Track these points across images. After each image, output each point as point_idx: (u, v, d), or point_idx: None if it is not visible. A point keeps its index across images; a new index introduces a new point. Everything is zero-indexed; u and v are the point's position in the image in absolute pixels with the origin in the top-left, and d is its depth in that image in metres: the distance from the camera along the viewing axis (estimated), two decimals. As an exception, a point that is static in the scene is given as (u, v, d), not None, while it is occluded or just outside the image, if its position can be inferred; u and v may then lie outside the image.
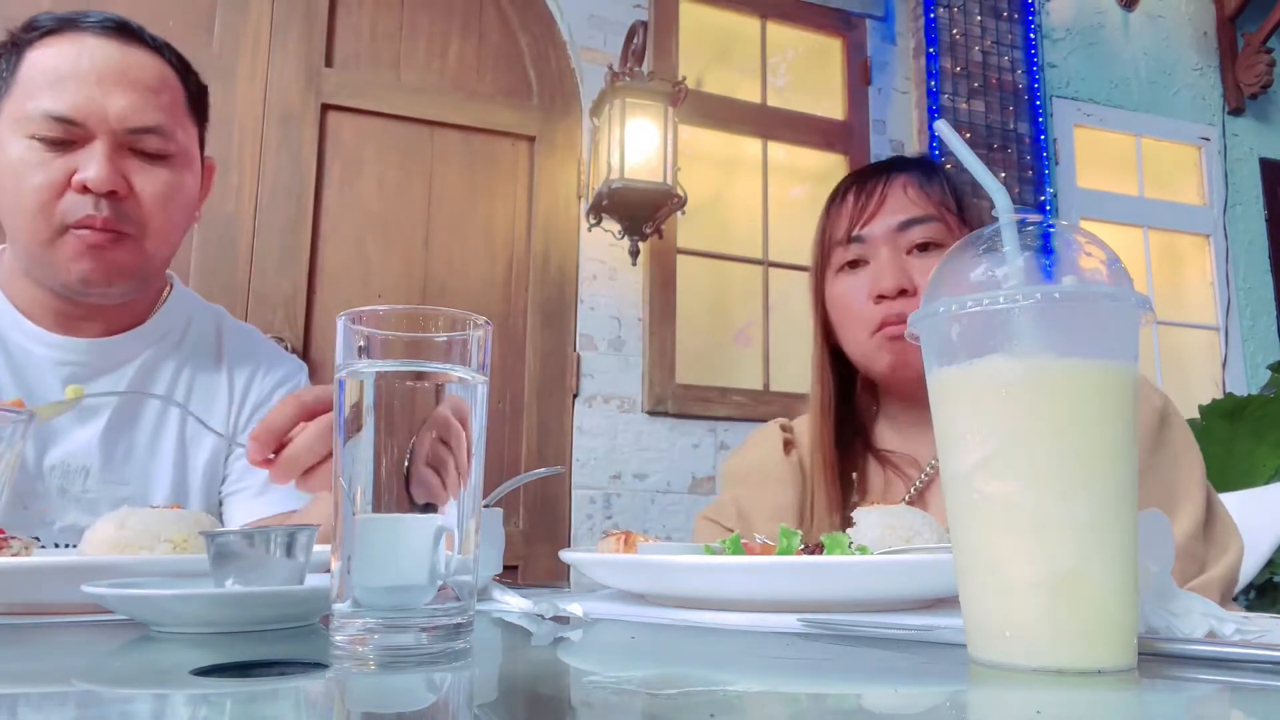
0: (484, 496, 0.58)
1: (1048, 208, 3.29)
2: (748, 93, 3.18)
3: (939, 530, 0.80)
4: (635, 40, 2.78)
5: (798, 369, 2.97)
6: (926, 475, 1.11)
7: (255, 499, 1.17)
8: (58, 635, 0.58)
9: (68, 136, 1.02)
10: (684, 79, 2.82)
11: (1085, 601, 0.44)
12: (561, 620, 0.66)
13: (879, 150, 3.23)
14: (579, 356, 2.76)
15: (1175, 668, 0.46)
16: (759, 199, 3.12)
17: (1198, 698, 0.43)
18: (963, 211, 1.11)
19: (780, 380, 2.99)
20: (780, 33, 3.26)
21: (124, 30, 1.08)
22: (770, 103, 3.19)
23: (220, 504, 1.19)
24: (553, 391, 2.73)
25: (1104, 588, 0.44)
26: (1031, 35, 3.40)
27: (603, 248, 2.84)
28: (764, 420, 1.31)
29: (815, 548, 0.74)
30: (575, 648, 0.57)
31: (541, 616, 0.67)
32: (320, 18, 2.66)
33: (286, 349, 2.31)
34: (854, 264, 1.11)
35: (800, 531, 0.77)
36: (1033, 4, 3.42)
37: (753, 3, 3.20)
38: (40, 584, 0.65)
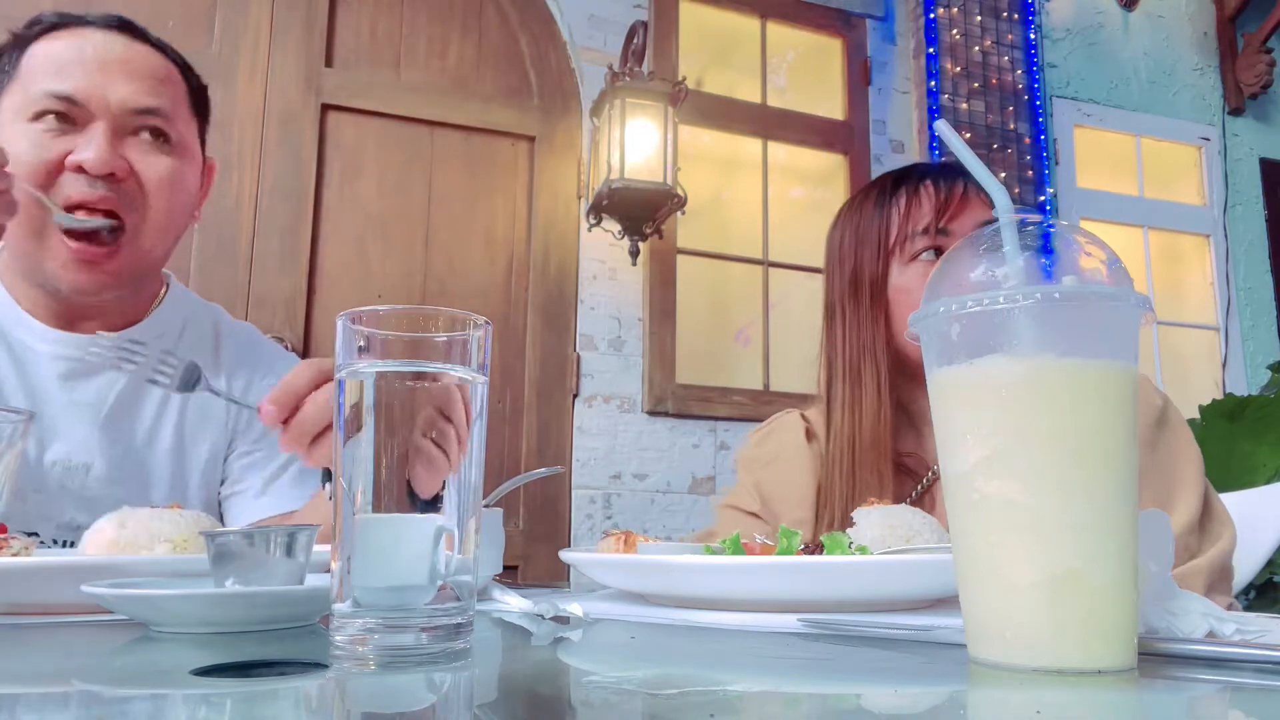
0: (484, 496, 0.58)
1: (1048, 208, 3.29)
2: (748, 93, 3.18)
3: (939, 530, 0.80)
4: (635, 40, 2.78)
5: (798, 369, 2.97)
6: (932, 475, 1.10)
7: (256, 500, 1.17)
8: (58, 635, 0.58)
9: (68, 113, 1.02)
10: (684, 79, 2.82)
11: (1085, 601, 0.44)
12: (561, 620, 0.66)
13: (879, 150, 3.23)
14: (579, 356, 2.76)
15: (1175, 668, 0.46)
16: (759, 199, 3.12)
17: (1198, 698, 0.43)
18: None
19: (780, 380, 2.99)
20: (780, 33, 3.26)
21: (127, 27, 1.09)
22: (770, 103, 3.19)
23: (220, 505, 1.19)
24: (553, 391, 2.73)
25: (1104, 588, 0.44)
26: (1031, 35, 3.40)
27: (603, 248, 2.84)
28: (764, 420, 1.30)
29: (815, 548, 0.74)
30: (575, 648, 0.57)
31: (541, 616, 0.67)
32: (320, 18, 2.66)
33: (286, 349, 2.31)
34: (934, 255, 1.09)
35: (798, 533, 0.77)
36: (1033, 4, 3.42)
37: (753, 3, 3.20)
38: (40, 584, 0.65)
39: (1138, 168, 3.71)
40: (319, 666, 0.48)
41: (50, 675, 0.46)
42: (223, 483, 1.20)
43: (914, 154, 3.26)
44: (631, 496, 2.74)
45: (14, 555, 0.70)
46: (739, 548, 0.73)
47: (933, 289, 0.50)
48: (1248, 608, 2.11)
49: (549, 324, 2.77)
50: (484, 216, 2.77)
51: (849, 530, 0.81)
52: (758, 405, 2.85)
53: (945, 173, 1.12)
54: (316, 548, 0.67)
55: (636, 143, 2.65)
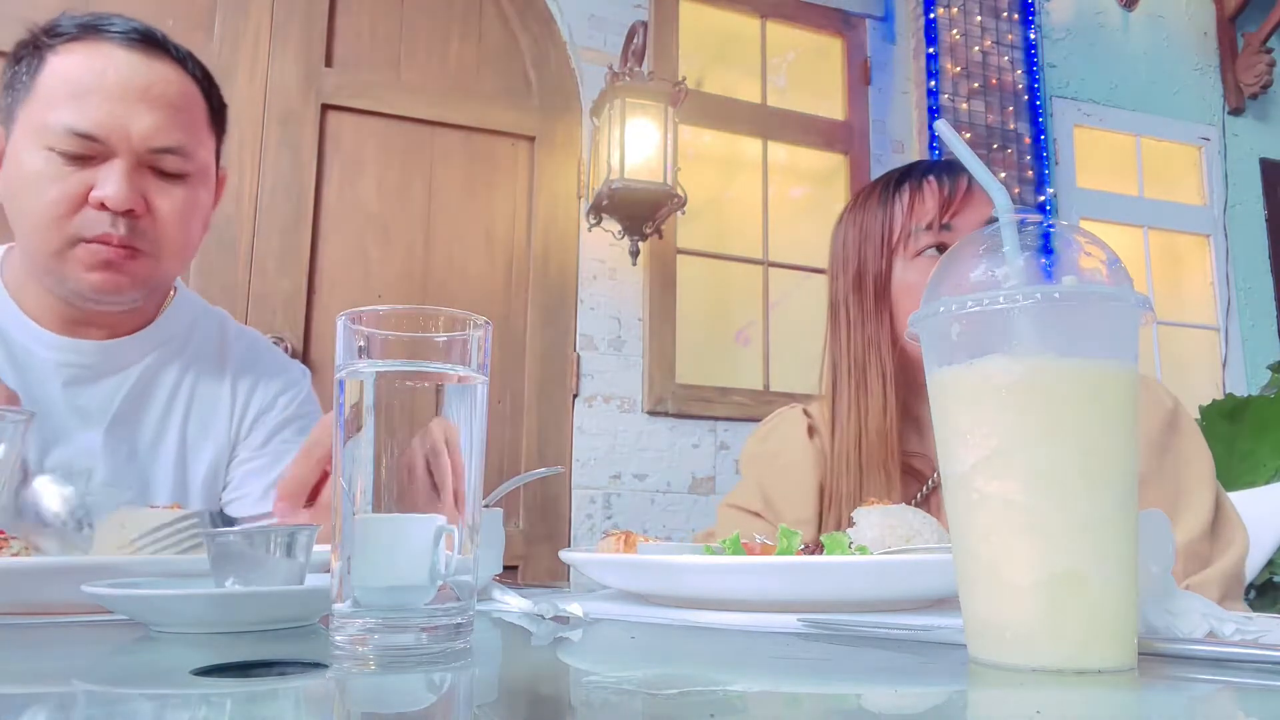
0: (484, 496, 0.58)
1: (1048, 208, 3.29)
2: (748, 93, 3.18)
3: (939, 530, 0.80)
4: (635, 40, 2.78)
5: (798, 369, 2.97)
6: (939, 476, 1.10)
7: (253, 506, 1.17)
8: (58, 635, 0.58)
9: (88, 152, 1.00)
10: (684, 79, 2.82)
11: (1085, 601, 0.44)
12: (561, 620, 0.66)
13: (879, 150, 3.23)
14: (579, 356, 2.76)
15: (1175, 668, 0.46)
16: (759, 199, 3.12)
17: (1198, 698, 0.43)
18: None
19: (780, 380, 2.99)
20: (780, 33, 3.26)
21: (149, 41, 1.05)
22: (770, 103, 3.19)
23: (221, 511, 1.19)
24: (553, 391, 2.73)
25: (1104, 588, 0.44)
26: (1031, 35, 3.40)
27: (603, 248, 2.84)
28: (764, 419, 1.29)
29: (815, 548, 0.74)
30: (575, 648, 0.57)
31: (541, 616, 0.67)
32: (320, 18, 2.66)
33: (286, 350, 2.31)
34: (937, 252, 1.09)
35: (798, 533, 0.77)
36: (1033, 4, 3.42)
37: (753, 3, 3.20)
38: (40, 584, 0.65)
39: (1138, 168, 3.70)
40: (319, 666, 0.48)
41: (50, 675, 0.46)
42: (224, 489, 1.20)
43: (914, 154, 3.26)
44: (631, 496, 2.74)
45: (14, 555, 0.70)
46: (739, 548, 0.73)
47: (933, 289, 0.50)
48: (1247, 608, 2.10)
49: (549, 324, 2.77)
50: (484, 216, 2.77)
51: (849, 530, 0.81)
52: (758, 405, 2.85)
53: (949, 169, 1.12)
54: (316, 548, 0.67)
55: (636, 143, 2.65)
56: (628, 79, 2.69)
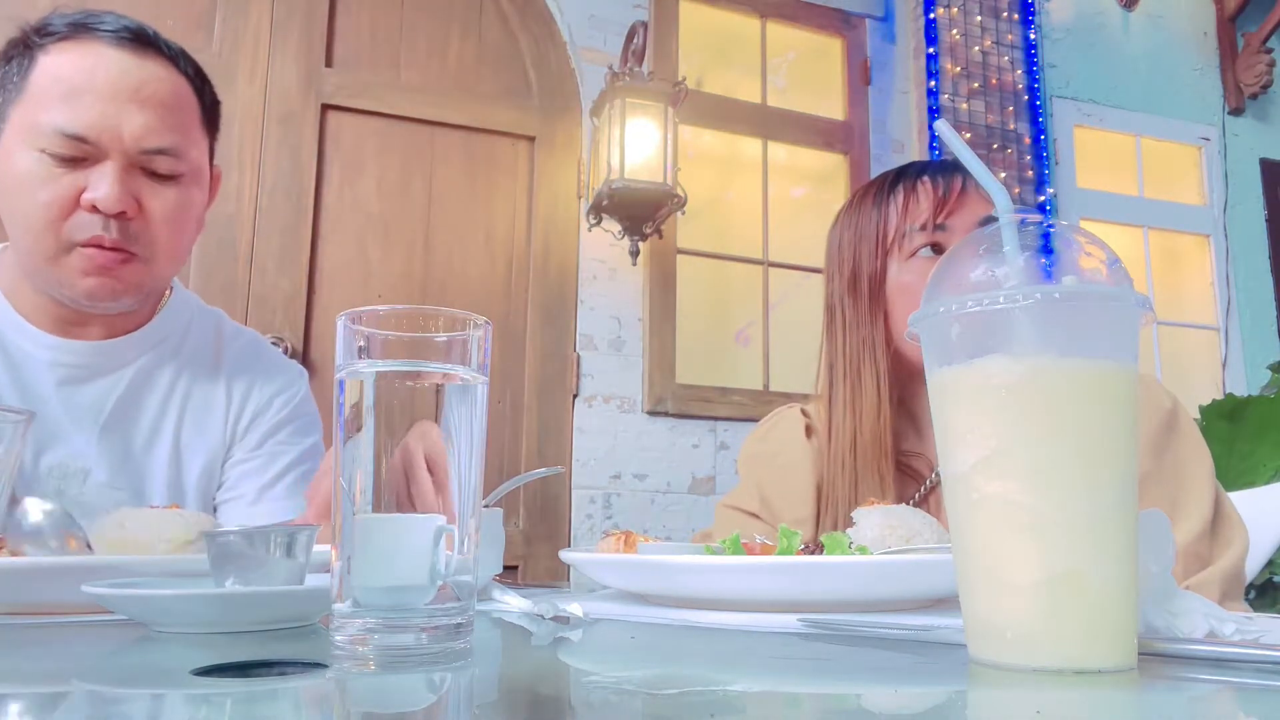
0: (484, 496, 0.58)
1: (1048, 208, 3.29)
2: (748, 93, 3.18)
3: (939, 530, 0.80)
4: (635, 40, 2.78)
5: (798, 369, 2.97)
6: (937, 476, 1.10)
7: (250, 507, 1.16)
8: (58, 635, 0.58)
9: (79, 154, 1.00)
10: (684, 79, 2.82)
11: (1085, 601, 0.44)
12: (561, 620, 0.66)
13: (879, 150, 3.23)
14: (579, 356, 2.76)
15: (1175, 668, 0.46)
16: (759, 199, 3.12)
17: (1198, 698, 0.43)
18: None
19: (780, 380, 2.99)
20: (780, 33, 3.26)
21: (140, 39, 1.04)
22: (770, 103, 3.19)
23: (215, 511, 1.19)
24: (553, 391, 2.73)
25: (1104, 588, 0.44)
26: (1031, 35, 3.40)
27: (603, 248, 2.84)
28: (763, 419, 1.29)
29: (815, 548, 0.74)
30: (575, 648, 0.57)
31: (541, 616, 0.67)
32: (320, 18, 2.66)
33: (286, 350, 2.31)
34: (932, 251, 1.09)
35: (798, 533, 0.77)
36: (1033, 4, 3.42)
37: (753, 3, 3.20)
38: (40, 584, 0.65)
39: (1138, 168, 3.70)
40: (319, 666, 0.48)
41: (50, 675, 0.46)
42: (217, 489, 1.19)
43: (914, 154, 3.26)
44: (631, 496, 2.74)
45: (13, 555, 0.70)
46: (739, 548, 0.73)
47: (933, 289, 0.50)
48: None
49: (549, 324, 2.77)
50: (484, 216, 2.77)
51: (849, 530, 0.81)
52: (758, 405, 2.85)
53: (944, 169, 1.12)
54: (316, 548, 0.67)
55: (636, 143, 2.65)
56: (628, 79, 2.69)
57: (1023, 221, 0.49)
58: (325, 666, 0.47)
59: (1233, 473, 2.45)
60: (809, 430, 1.19)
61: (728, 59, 3.20)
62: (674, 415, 2.81)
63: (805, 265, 3.07)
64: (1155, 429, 0.99)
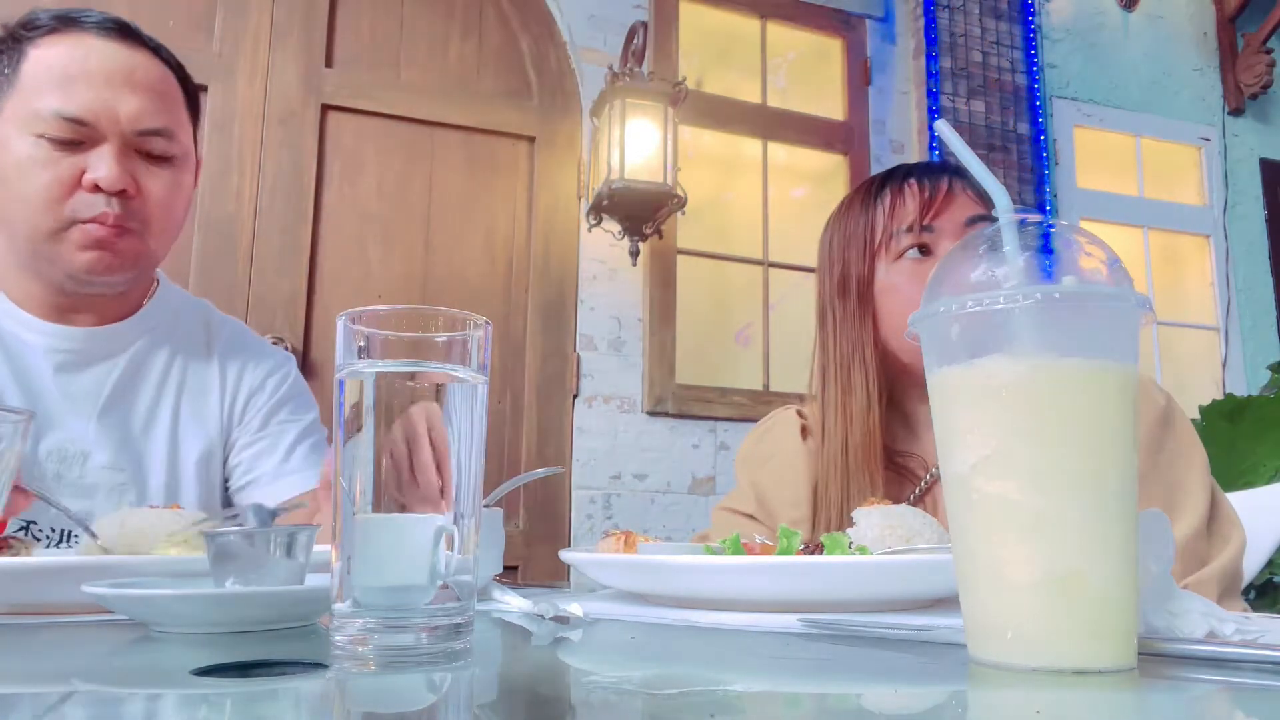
0: (484, 496, 0.58)
1: (1048, 208, 3.29)
2: (748, 93, 3.18)
3: (939, 530, 0.80)
4: (635, 40, 2.78)
5: (798, 369, 2.97)
6: (932, 475, 1.10)
7: (272, 484, 1.19)
8: (58, 635, 0.58)
9: (78, 137, 1.03)
10: (684, 79, 2.82)
11: (1085, 601, 0.44)
12: (561, 620, 0.66)
13: (879, 150, 3.23)
14: (579, 356, 2.76)
15: (1175, 668, 0.46)
16: (759, 199, 3.12)
17: (1198, 698, 0.43)
18: None
19: (780, 380, 2.99)
20: (780, 33, 3.26)
21: (125, 31, 1.09)
22: (770, 103, 3.19)
23: (232, 500, 1.21)
24: (553, 391, 2.73)
25: (1104, 588, 0.44)
26: (1031, 35, 3.40)
27: (603, 248, 2.84)
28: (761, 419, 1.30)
29: (815, 548, 0.74)
30: (575, 648, 0.57)
31: (541, 616, 0.67)
32: (320, 18, 2.66)
33: (286, 349, 2.31)
34: (922, 250, 1.09)
35: (798, 533, 0.77)
36: (1033, 4, 3.42)
37: (753, 3, 3.20)
38: (40, 584, 0.65)
39: (1138, 168, 3.70)
40: (319, 666, 0.48)
41: (50, 675, 0.46)
42: (229, 479, 1.21)
43: (914, 154, 3.26)
44: (631, 497, 2.74)
45: (14, 555, 0.70)
46: (739, 548, 0.73)
47: (933, 289, 0.50)
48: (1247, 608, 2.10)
49: (549, 324, 2.77)
50: (484, 216, 2.77)
51: (849, 530, 0.81)
52: (757, 405, 2.85)
53: (930, 171, 1.13)
54: (316, 548, 0.67)
55: (636, 143, 2.65)
56: (628, 79, 2.69)
57: (1023, 221, 0.49)
58: (325, 666, 0.47)
59: (1233, 473, 2.45)
60: (804, 431, 1.19)
61: (728, 59, 3.20)
62: (674, 415, 2.81)
63: (805, 265, 3.07)
64: (1150, 427, 0.99)
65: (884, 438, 1.13)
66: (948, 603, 0.69)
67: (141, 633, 0.57)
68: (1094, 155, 3.61)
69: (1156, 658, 0.47)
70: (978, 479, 0.46)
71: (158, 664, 0.50)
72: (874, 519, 0.80)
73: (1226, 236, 3.70)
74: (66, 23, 1.07)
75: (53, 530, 1.06)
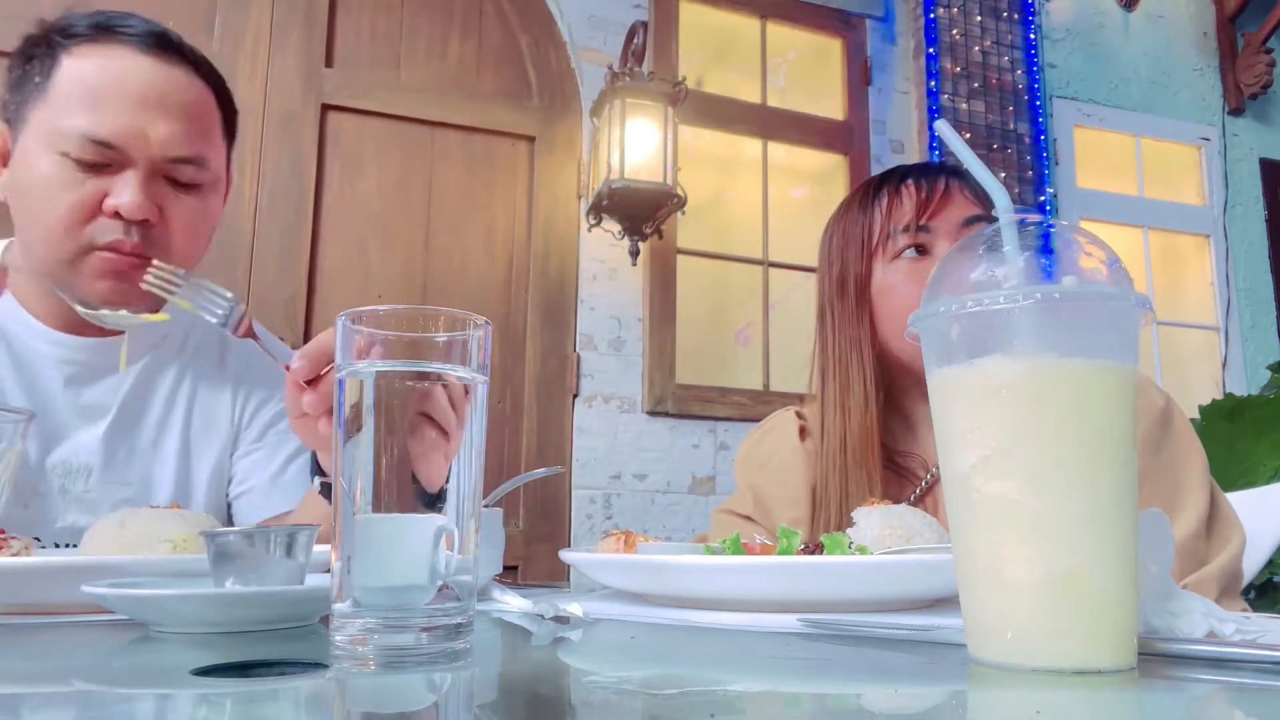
0: (484, 496, 0.58)
1: (1048, 208, 3.29)
2: (748, 93, 3.18)
3: (939, 530, 0.80)
4: (635, 40, 2.78)
5: (798, 369, 2.97)
6: (933, 476, 1.10)
7: (264, 498, 1.17)
8: (58, 635, 0.58)
9: (104, 160, 0.99)
10: (684, 79, 2.82)
11: (1085, 601, 0.44)
12: (561, 620, 0.66)
13: (879, 150, 3.23)
14: (579, 356, 2.76)
15: (1175, 668, 0.46)
16: (759, 199, 3.11)
17: (1198, 698, 0.43)
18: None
19: (780, 380, 2.99)
20: (780, 33, 3.26)
21: (165, 45, 1.03)
22: (770, 103, 3.19)
23: (229, 507, 1.19)
24: (553, 391, 2.73)
25: (1104, 588, 0.44)
26: (1031, 35, 3.40)
27: (603, 248, 2.83)
28: (762, 420, 1.30)
29: (815, 548, 0.74)
30: (575, 648, 0.57)
31: (541, 616, 0.67)
32: (320, 18, 2.66)
33: (288, 348, 2.30)
34: (919, 250, 1.10)
35: (798, 533, 0.77)
36: (1033, 4, 3.42)
37: (753, 3, 3.20)
38: (40, 584, 0.65)
39: (1138, 168, 3.70)
40: (319, 666, 0.48)
41: (50, 675, 0.46)
42: (230, 482, 1.20)
43: (914, 154, 3.26)
44: (631, 496, 2.74)
45: (14, 555, 0.70)
46: (739, 548, 0.73)
47: (933, 289, 0.50)
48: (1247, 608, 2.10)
49: (549, 324, 2.77)
50: (484, 216, 2.77)
51: (849, 530, 0.81)
52: (757, 405, 2.85)
53: (927, 171, 1.14)
54: (316, 548, 0.67)
55: (636, 143, 2.65)
56: (628, 79, 2.69)
57: (1023, 221, 0.49)
58: (325, 666, 0.47)
59: (1233, 473, 2.45)
60: (803, 432, 1.20)
61: (728, 59, 3.20)
62: (674, 415, 2.81)
63: (805, 265, 3.07)
64: (1149, 427, 0.99)
65: (883, 437, 1.13)
66: (948, 603, 0.69)
67: (141, 633, 0.57)
68: (1094, 155, 3.61)
69: (1156, 658, 0.47)
70: (978, 479, 0.46)
71: (158, 664, 0.50)
72: (874, 519, 0.80)
73: (1226, 236, 3.70)
74: (104, 32, 1.01)
75: (56, 545, 1.05)
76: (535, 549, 2.61)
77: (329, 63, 2.66)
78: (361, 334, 0.51)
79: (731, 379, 2.95)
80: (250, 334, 0.90)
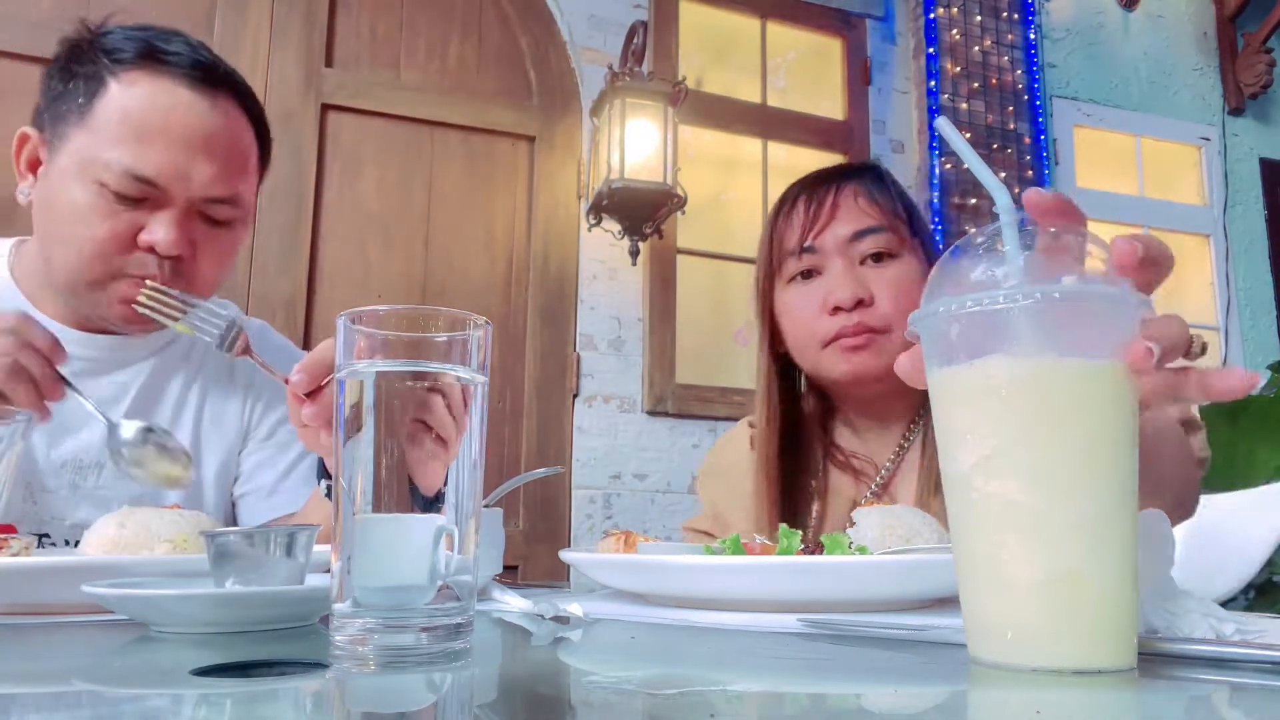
0: (484, 496, 0.58)
1: (1048, 208, 3.28)
2: (748, 93, 3.18)
3: (939, 530, 0.80)
4: (635, 40, 2.78)
5: (798, 369, 2.97)
6: (883, 477, 1.11)
7: (268, 499, 1.17)
8: (58, 635, 0.58)
9: (143, 195, 0.99)
10: (684, 79, 2.82)
11: (1085, 601, 0.44)
12: (561, 620, 0.66)
13: (879, 150, 3.23)
14: (579, 356, 2.76)
15: (1175, 668, 0.46)
16: (759, 199, 3.11)
17: (1198, 698, 0.43)
18: (912, 220, 1.10)
19: (780, 380, 2.99)
20: (780, 33, 3.26)
21: (212, 78, 1.03)
22: (770, 103, 3.19)
23: (235, 506, 1.20)
24: (553, 391, 2.73)
25: (1104, 588, 0.44)
26: (1031, 35, 3.40)
27: (603, 248, 2.84)
28: None
29: (815, 548, 0.74)
30: (575, 648, 0.57)
31: (541, 616, 0.67)
32: (320, 18, 2.66)
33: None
34: (806, 274, 1.10)
35: (799, 533, 0.77)
36: (1033, 4, 3.42)
37: (753, 3, 3.20)
38: (40, 584, 0.65)
39: (1138, 168, 3.71)
40: (319, 666, 0.48)
41: (50, 675, 0.46)
42: (235, 480, 1.20)
43: (914, 154, 3.26)
44: (631, 496, 2.74)
45: (14, 555, 0.70)
46: (739, 548, 0.73)
47: (933, 289, 0.50)
48: (1247, 608, 2.10)
49: (549, 324, 2.77)
50: (484, 216, 2.77)
51: (849, 530, 0.81)
52: (758, 405, 2.85)
53: (820, 182, 1.12)
54: (316, 548, 0.67)
55: (636, 143, 2.65)
56: (628, 79, 2.69)
57: (1023, 221, 0.49)
58: (325, 666, 0.47)
59: (1233, 473, 2.45)
60: (753, 442, 1.20)
61: (728, 59, 3.20)
62: (674, 415, 2.81)
63: (805, 265, 3.07)
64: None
65: (835, 438, 1.17)
66: (948, 603, 0.69)
67: (141, 633, 0.57)
68: (1094, 155, 3.61)
69: (1156, 658, 0.47)
70: (977, 479, 0.46)
71: (158, 664, 0.50)
72: (874, 519, 0.80)
73: (1226, 236, 3.70)
74: (152, 60, 1.01)
75: (66, 542, 1.05)
76: (535, 549, 2.61)
77: (329, 62, 2.66)
78: (361, 334, 0.51)
79: (731, 379, 2.95)
80: (247, 353, 0.90)
